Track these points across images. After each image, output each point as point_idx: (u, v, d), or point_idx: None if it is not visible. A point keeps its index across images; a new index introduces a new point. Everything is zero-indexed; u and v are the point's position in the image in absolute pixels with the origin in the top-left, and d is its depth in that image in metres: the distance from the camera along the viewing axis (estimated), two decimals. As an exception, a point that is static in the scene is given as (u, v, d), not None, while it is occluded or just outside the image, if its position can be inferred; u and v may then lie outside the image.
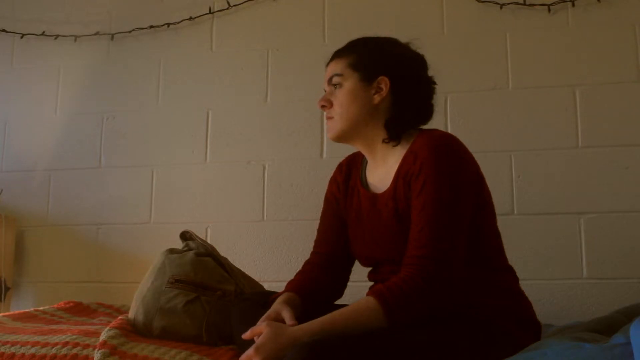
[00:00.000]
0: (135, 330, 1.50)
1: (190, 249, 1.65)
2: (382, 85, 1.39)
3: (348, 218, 1.50)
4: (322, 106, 1.44)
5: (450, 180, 1.28)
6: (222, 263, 1.63)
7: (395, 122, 1.39)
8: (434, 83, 1.45)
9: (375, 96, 1.39)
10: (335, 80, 1.42)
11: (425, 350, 1.18)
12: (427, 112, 1.44)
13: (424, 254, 1.24)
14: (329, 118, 1.44)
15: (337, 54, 1.46)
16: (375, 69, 1.39)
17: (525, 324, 1.34)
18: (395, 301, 1.21)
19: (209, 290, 1.52)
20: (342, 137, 1.44)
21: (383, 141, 1.41)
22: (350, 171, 1.54)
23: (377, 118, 1.40)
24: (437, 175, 1.28)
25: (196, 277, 1.53)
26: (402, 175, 1.34)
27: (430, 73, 1.46)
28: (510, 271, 1.42)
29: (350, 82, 1.40)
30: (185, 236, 1.73)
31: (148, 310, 1.50)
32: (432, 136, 1.34)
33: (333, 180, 1.58)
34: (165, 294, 1.50)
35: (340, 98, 1.41)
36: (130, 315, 1.55)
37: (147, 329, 1.49)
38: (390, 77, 1.39)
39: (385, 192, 1.39)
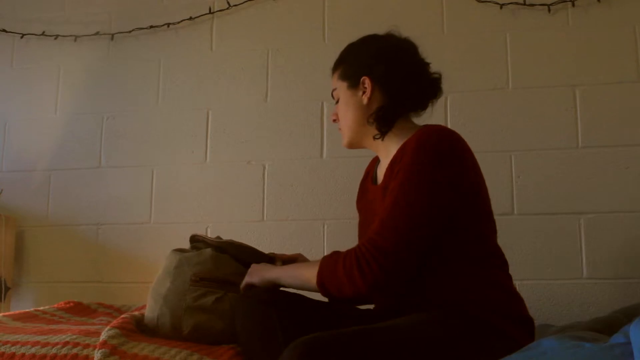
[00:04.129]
0: (155, 330, 1.49)
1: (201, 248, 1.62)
2: (366, 85, 1.45)
3: (359, 214, 1.59)
4: (334, 120, 1.55)
5: (423, 174, 1.28)
6: (238, 258, 1.61)
7: (377, 115, 1.44)
8: (421, 64, 1.46)
9: (363, 97, 1.45)
10: (334, 94, 1.53)
11: (419, 348, 1.19)
12: (417, 96, 1.45)
13: (370, 238, 1.26)
14: (339, 129, 1.54)
15: (333, 68, 1.55)
16: (358, 72, 1.46)
17: (517, 321, 1.34)
18: (328, 274, 1.28)
19: (234, 285, 1.51)
20: (352, 145, 1.53)
21: (374, 137, 1.46)
22: (368, 173, 1.62)
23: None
24: (410, 166, 1.29)
25: (219, 273, 1.52)
26: (392, 166, 1.37)
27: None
28: (504, 269, 1.41)
29: (342, 93, 1.50)
30: (194, 239, 1.69)
31: (174, 310, 1.48)
32: (426, 130, 1.35)
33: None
34: (191, 293, 1.48)
35: (340, 110, 1.51)
36: (151, 317, 1.52)
37: (176, 329, 1.47)
38: (370, 75, 1.44)
39: (380, 183, 1.43)
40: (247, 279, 1.45)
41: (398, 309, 1.35)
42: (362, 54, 1.49)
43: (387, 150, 1.45)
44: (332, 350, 1.12)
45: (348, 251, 1.29)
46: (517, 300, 1.38)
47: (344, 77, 1.49)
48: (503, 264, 1.41)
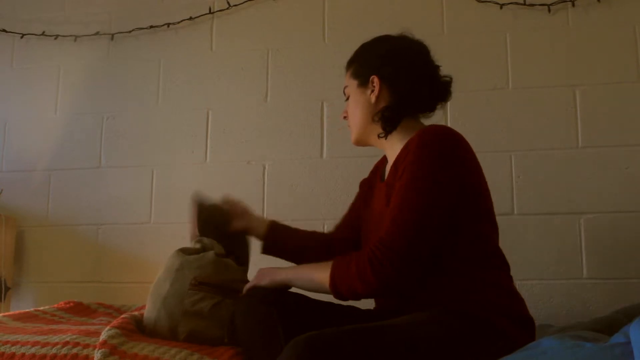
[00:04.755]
0: (153, 332, 1.47)
1: (205, 249, 1.61)
2: (375, 84, 1.47)
3: (364, 214, 1.59)
4: (344, 117, 1.57)
5: (426, 174, 1.29)
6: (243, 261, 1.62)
7: (383, 114, 1.46)
8: (430, 67, 1.49)
9: (371, 95, 1.48)
10: (346, 92, 1.57)
11: (420, 347, 1.19)
12: (425, 98, 1.48)
13: (381, 238, 1.27)
14: (348, 126, 1.56)
15: (346, 66, 1.57)
16: (368, 71, 1.49)
17: (518, 321, 1.34)
18: (340, 275, 1.29)
19: (232, 292, 1.50)
20: (359, 142, 1.55)
21: (378, 136, 1.48)
22: (377, 170, 1.63)
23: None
24: (413, 165, 1.30)
25: (219, 279, 1.51)
26: (396, 165, 1.38)
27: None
28: (504, 269, 1.42)
29: (352, 91, 1.53)
30: (194, 198, 1.69)
31: (172, 313, 1.47)
32: (429, 129, 1.36)
33: (363, 181, 1.70)
34: (190, 297, 1.47)
35: (349, 108, 1.54)
36: (150, 318, 1.51)
37: (173, 333, 1.46)
38: (379, 74, 1.46)
39: (384, 181, 1.44)
40: (255, 281, 1.44)
41: (399, 308, 1.35)
42: (372, 53, 1.52)
43: (392, 149, 1.47)
44: (333, 348, 1.12)
45: (359, 252, 1.30)
46: (517, 300, 1.38)
47: (355, 75, 1.52)
48: (503, 264, 1.41)
